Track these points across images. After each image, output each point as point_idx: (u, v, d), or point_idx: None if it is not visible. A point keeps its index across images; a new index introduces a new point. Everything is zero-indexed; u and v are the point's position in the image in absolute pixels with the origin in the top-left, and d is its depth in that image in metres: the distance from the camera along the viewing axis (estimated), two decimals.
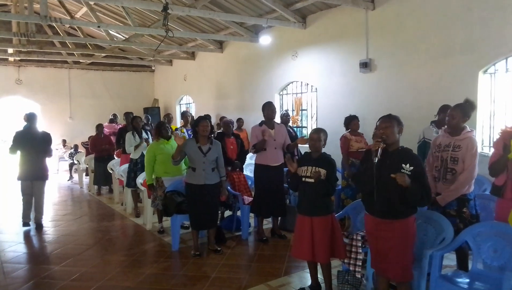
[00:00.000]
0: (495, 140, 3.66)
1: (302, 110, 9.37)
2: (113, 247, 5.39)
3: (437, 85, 6.18)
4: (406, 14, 6.65)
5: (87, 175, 10.07)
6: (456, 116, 3.62)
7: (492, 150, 3.58)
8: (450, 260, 4.22)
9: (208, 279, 4.17)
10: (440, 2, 6.15)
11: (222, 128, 6.13)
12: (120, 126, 8.99)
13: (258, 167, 5.29)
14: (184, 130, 7.19)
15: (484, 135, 5.88)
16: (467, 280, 3.16)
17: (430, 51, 6.31)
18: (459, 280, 3.15)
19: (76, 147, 11.86)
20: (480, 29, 5.65)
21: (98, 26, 8.71)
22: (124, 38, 11.47)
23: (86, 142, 10.84)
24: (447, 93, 5.81)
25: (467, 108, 3.67)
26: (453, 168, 3.60)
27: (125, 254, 5.03)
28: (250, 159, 7.21)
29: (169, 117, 7.83)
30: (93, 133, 9.04)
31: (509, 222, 2.42)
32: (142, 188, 6.15)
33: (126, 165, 6.87)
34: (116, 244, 5.53)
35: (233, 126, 6.34)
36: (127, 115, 8.01)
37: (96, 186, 8.91)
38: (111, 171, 8.11)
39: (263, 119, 5.31)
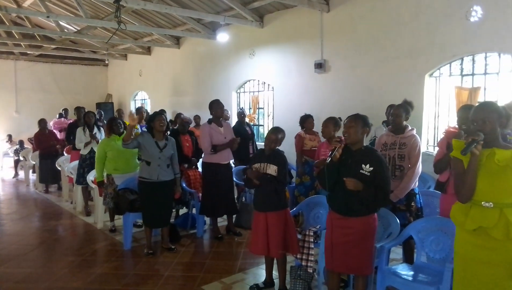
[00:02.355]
0: (439, 139, 3.88)
1: (259, 108, 9.44)
2: (61, 247, 5.17)
3: (387, 86, 6.45)
4: (359, 18, 6.88)
5: (34, 172, 9.59)
6: (400, 114, 3.80)
7: (437, 149, 3.79)
8: (397, 254, 4.43)
9: (161, 277, 4.11)
10: (390, 8, 6.42)
11: (178, 125, 6.05)
12: (71, 121, 8.63)
13: (208, 166, 5.24)
14: (138, 126, 7.02)
15: (429, 135, 6.21)
16: (412, 273, 3.32)
17: (381, 54, 6.57)
18: (404, 272, 3.31)
19: (21, 143, 11.25)
20: (427, 35, 5.96)
21: (48, 17, 8.30)
22: (75, 30, 11.00)
23: (32, 138, 10.30)
24: (396, 95, 6.04)
25: (408, 108, 3.87)
26: (401, 165, 3.78)
27: (74, 254, 4.85)
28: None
29: (120, 113, 7.61)
30: None
31: (450, 217, 2.57)
32: (93, 185, 5.95)
33: (76, 162, 6.62)
34: (64, 244, 5.31)
35: (189, 125, 6.26)
36: (78, 110, 7.70)
37: (43, 184, 8.49)
38: (59, 168, 7.77)
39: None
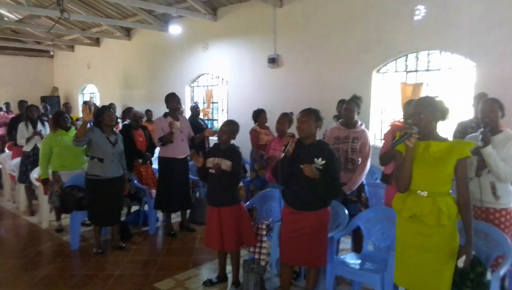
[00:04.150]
0: (385, 133, 4.04)
1: (213, 102, 9.38)
2: (2, 249, 4.88)
3: (337, 81, 6.63)
4: (311, 14, 7.00)
5: None
6: (353, 109, 3.92)
7: (383, 142, 3.95)
8: (346, 244, 4.59)
9: (111, 277, 3.99)
10: (340, 5, 6.59)
11: (131, 120, 5.88)
12: (13, 116, 8.14)
13: (163, 160, 5.15)
14: None
15: (376, 129, 6.46)
16: (359, 261, 3.45)
17: (332, 50, 6.73)
18: (352, 261, 3.43)
19: None
20: (375, 32, 6.18)
21: None
22: (17, 19, 10.34)
23: None
24: (346, 90, 6.21)
25: (359, 102, 4.00)
26: (352, 158, 3.90)
27: (17, 256, 4.59)
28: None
29: (67, 107, 7.28)
30: None
31: (392, 206, 2.70)
32: (37, 183, 5.65)
33: (18, 159, 6.25)
34: (6, 246, 5.01)
35: (142, 120, 6.10)
36: (21, 103, 7.28)
37: None
38: (0, 166, 7.31)
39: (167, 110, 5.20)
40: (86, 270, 4.20)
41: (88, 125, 4.38)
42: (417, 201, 2.48)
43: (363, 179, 3.91)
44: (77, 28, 11.15)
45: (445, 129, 5.60)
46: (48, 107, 8.54)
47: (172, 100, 5.14)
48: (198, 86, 9.71)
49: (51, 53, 14.27)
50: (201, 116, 7.70)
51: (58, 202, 4.91)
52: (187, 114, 8.17)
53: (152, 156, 5.89)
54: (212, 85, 9.32)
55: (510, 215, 3.08)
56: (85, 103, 7.50)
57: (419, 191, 2.48)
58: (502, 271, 2.68)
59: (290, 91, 7.34)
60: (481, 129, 3.17)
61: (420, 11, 5.66)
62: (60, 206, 4.90)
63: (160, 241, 5.16)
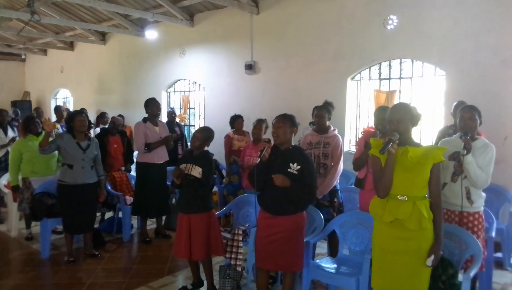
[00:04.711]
0: (358, 139, 4.12)
1: (190, 108, 9.32)
2: None
3: (313, 88, 6.72)
4: (287, 22, 7.08)
5: None
6: (323, 115, 3.99)
7: (356, 148, 4.02)
8: (323, 248, 4.63)
9: (83, 285, 3.89)
10: (315, 13, 6.70)
11: (108, 125, 5.78)
12: None
13: (141, 166, 5.09)
14: (58, 125, 6.59)
15: (351, 135, 6.57)
16: (335, 265, 3.48)
17: (308, 57, 6.83)
18: (327, 265, 3.46)
19: None
20: (349, 41, 6.31)
21: None
22: None
23: None
24: (322, 96, 6.21)
25: (329, 108, 4.07)
26: (324, 163, 3.95)
27: None
28: (135, 158, 6.93)
29: (38, 111, 7.12)
30: None
31: (369, 211, 2.73)
32: (6, 190, 5.47)
33: None
34: None
35: (119, 126, 6.00)
36: None
37: None
38: None
39: (145, 116, 5.15)
40: (57, 279, 4.07)
41: (61, 131, 4.28)
42: (397, 206, 2.52)
43: (334, 183, 3.95)
44: (51, 32, 10.91)
45: (420, 136, 5.80)
46: (19, 112, 8.30)
47: (153, 106, 5.11)
48: (174, 91, 9.65)
49: (23, 57, 13.89)
50: (177, 120, 7.64)
51: (28, 210, 4.76)
52: (164, 120, 8.08)
53: (131, 163, 5.83)
54: (189, 91, 9.27)
55: (481, 217, 3.18)
56: (56, 108, 7.31)
57: (399, 196, 2.52)
58: (472, 273, 2.75)
59: (266, 97, 7.39)
60: (456, 134, 3.26)
61: (393, 21, 5.82)
62: (30, 213, 4.75)
63: (134, 249, 5.07)
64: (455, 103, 4.49)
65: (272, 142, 3.24)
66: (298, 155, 3.12)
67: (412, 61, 5.92)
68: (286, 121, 3.15)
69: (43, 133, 5.06)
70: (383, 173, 2.53)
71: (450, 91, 5.45)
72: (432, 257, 2.50)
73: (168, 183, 5.87)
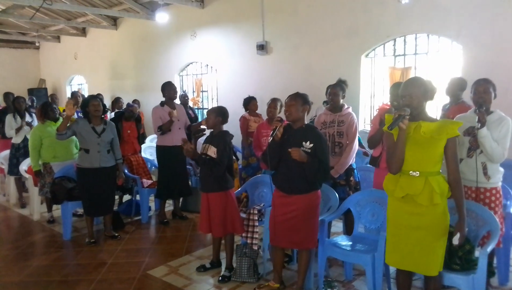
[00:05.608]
0: (373, 116, 4.06)
1: (202, 91, 9.33)
2: None
3: (327, 66, 6.63)
4: None
5: None
6: (338, 93, 3.94)
7: (371, 125, 3.98)
8: (338, 227, 4.65)
9: (104, 265, 4.01)
10: None
11: (124, 110, 5.83)
12: None
13: (162, 149, 5.15)
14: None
15: (366, 114, 6.49)
16: (350, 243, 3.50)
17: (320, 35, 6.71)
18: (343, 243, 3.48)
19: None
20: (363, 16, 6.17)
21: None
22: (0, 10, 10.12)
23: None
24: (335, 75, 6.16)
25: (343, 86, 4.02)
26: (339, 141, 3.93)
27: (9, 248, 4.57)
28: (150, 141, 7.01)
29: (53, 98, 7.20)
30: None
31: (383, 187, 2.72)
32: (27, 175, 5.61)
33: (7, 151, 6.19)
34: None
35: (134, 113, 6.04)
36: (6, 96, 7.16)
37: None
38: None
39: (162, 99, 5.18)
40: (80, 259, 4.20)
41: (77, 116, 4.35)
42: (409, 182, 2.51)
43: (350, 161, 3.92)
44: (62, 18, 10.95)
45: (437, 112, 5.69)
46: (35, 99, 8.43)
47: (169, 89, 5.16)
48: (187, 74, 9.64)
49: (37, 44, 14.00)
50: (190, 104, 7.66)
51: (49, 194, 4.89)
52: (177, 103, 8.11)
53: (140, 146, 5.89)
54: (202, 74, 9.26)
55: (499, 193, 3.13)
56: (72, 94, 7.40)
57: (411, 172, 2.50)
58: (489, 248, 2.74)
59: (279, 78, 7.33)
60: (472, 109, 3.19)
61: None
62: (50, 197, 4.88)
63: (153, 230, 5.18)
64: (450, 80, 4.28)
65: (285, 121, 3.23)
66: (311, 133, 3.12)
67: (428, 36, 5.78)
68: (298, 99, 3.15)
69: (60, 119, 5.16)
70: (395, 149, 2.51)
71: (467, 66, 5.31)
72: (458, 235, 2.48)
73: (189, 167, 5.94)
